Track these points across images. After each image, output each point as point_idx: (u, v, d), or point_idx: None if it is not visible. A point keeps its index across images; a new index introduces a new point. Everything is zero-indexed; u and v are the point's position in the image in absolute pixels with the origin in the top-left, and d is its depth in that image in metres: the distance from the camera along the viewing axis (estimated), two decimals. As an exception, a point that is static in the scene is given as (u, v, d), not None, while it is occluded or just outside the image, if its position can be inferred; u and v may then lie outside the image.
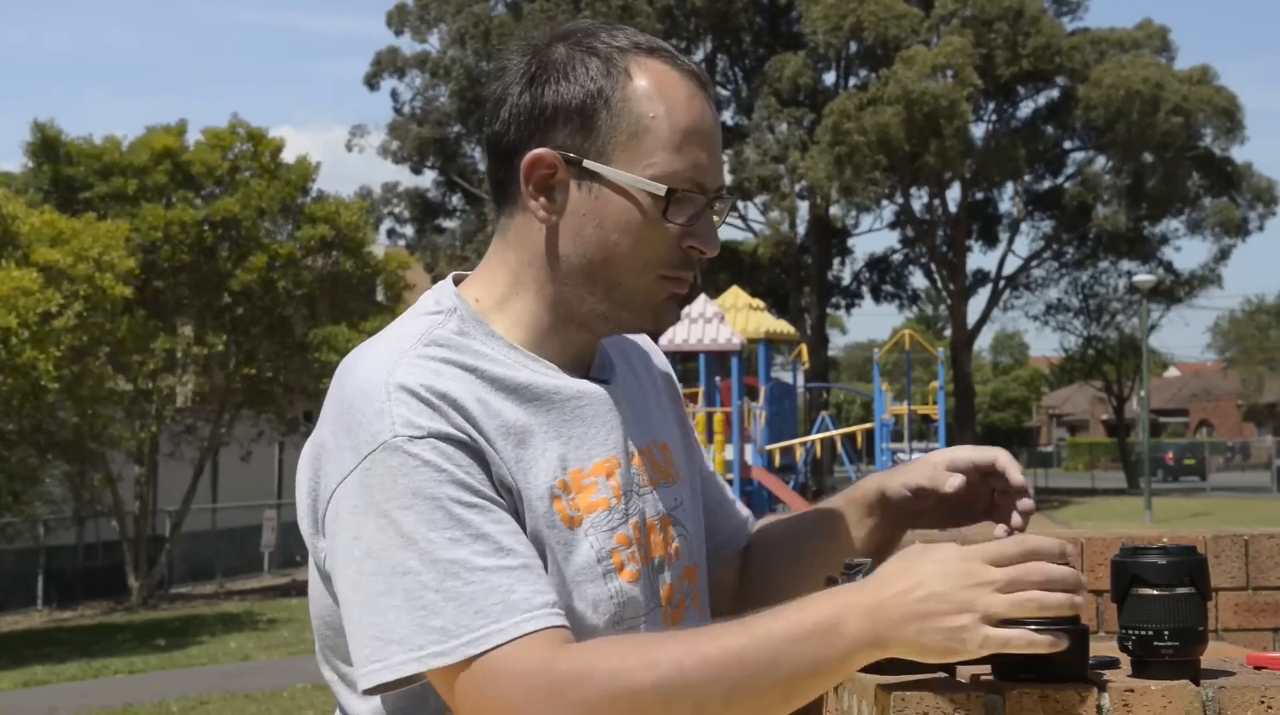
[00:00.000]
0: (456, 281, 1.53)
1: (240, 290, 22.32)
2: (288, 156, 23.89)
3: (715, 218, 1.47)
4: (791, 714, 1.30)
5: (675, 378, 1.70)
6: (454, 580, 1.28)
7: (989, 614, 1.22)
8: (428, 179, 43.59)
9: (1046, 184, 42.49)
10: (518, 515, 1.35)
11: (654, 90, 1.42)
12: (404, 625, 1.27)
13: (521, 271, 1.47)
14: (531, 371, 1.44)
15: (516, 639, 1.26)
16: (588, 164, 1.42)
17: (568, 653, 1.26)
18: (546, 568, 1.34)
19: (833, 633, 1.25)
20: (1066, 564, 1.25)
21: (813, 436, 25.83)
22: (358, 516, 1.31)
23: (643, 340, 1.67)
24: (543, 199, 1.44)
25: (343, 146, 72.03)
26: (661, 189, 1.41)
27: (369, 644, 1.29)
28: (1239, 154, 42.34)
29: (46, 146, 22.67)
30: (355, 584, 1.30)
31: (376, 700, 1.39)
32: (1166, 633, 1.27)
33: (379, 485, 1.31)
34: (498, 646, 1.26)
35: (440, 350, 1.40)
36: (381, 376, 1.35)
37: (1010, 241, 43.17)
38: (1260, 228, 41.20)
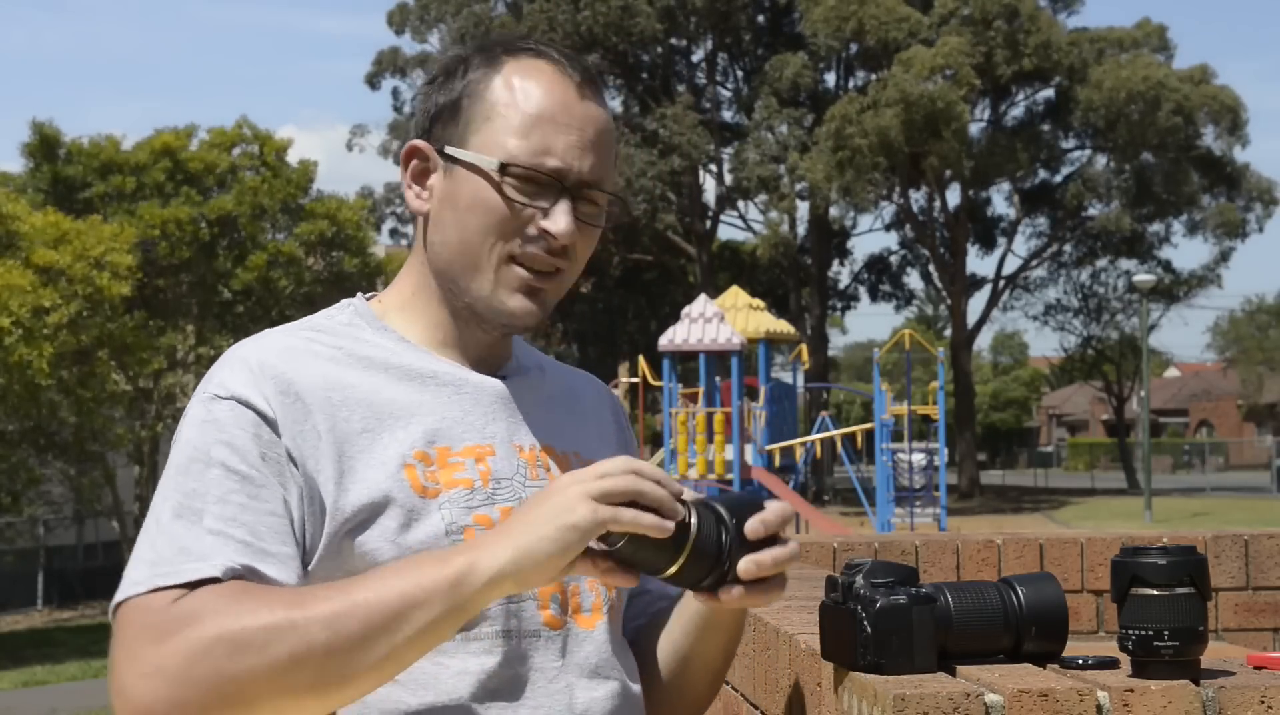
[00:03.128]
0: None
1: (241, 289, 22.32)
2: (291, 157, 23.93)
3: (585, 209, 1.49)
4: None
5: (626, 425, 1.74)
6: (178, 526, 1.35)
7: (593, 493, 1.29)
8: (428, 179, 43.62)
9: (1044, 183, 42.48)
10: (307, 486, 1.39)
11: (514, 79, 1.49)
12: (136, 561, 1.35)
13: (418, 271, 1.55)
14: (411, 357, 1.50)
15: (169, 587, 1.30)
16: (448, 149, 1.49)
17: (190, 597, 1.30)
18: (312, 543, 1.39)
19: (445, 554, 1.31)
20: (677, 501, 1.32)
21: (813, 436, 25.82)
22: (172, 451, 1.42)
23: (598, 384, 1.73)
24: (416, 188, 1.52)
25: (344, 146, 71.88)
26: (494, 163, 1.45)
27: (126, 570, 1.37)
28: (1239, 154, 42.26)
29: (45, 146, 22.66)
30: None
31: None
32: (1166, 633, 1.27)
33: (182, 428, 1.42)
34: (156, 590, 1.30)
35: (312, 333, 1.49)
36: (240, 347, 1.46)
37: (1010, 241, 43.20)
38: (1260, 229, 41.18)
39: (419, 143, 1.52)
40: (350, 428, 1.42)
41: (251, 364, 1.42)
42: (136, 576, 1.32)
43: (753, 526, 1.35)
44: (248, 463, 1.38)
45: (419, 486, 1.42)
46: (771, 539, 1.37)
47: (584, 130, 1.48)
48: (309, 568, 1.40)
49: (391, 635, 1.29)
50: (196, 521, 1.35)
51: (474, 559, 1.30)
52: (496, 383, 1.53)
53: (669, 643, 1.59)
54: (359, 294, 1.59)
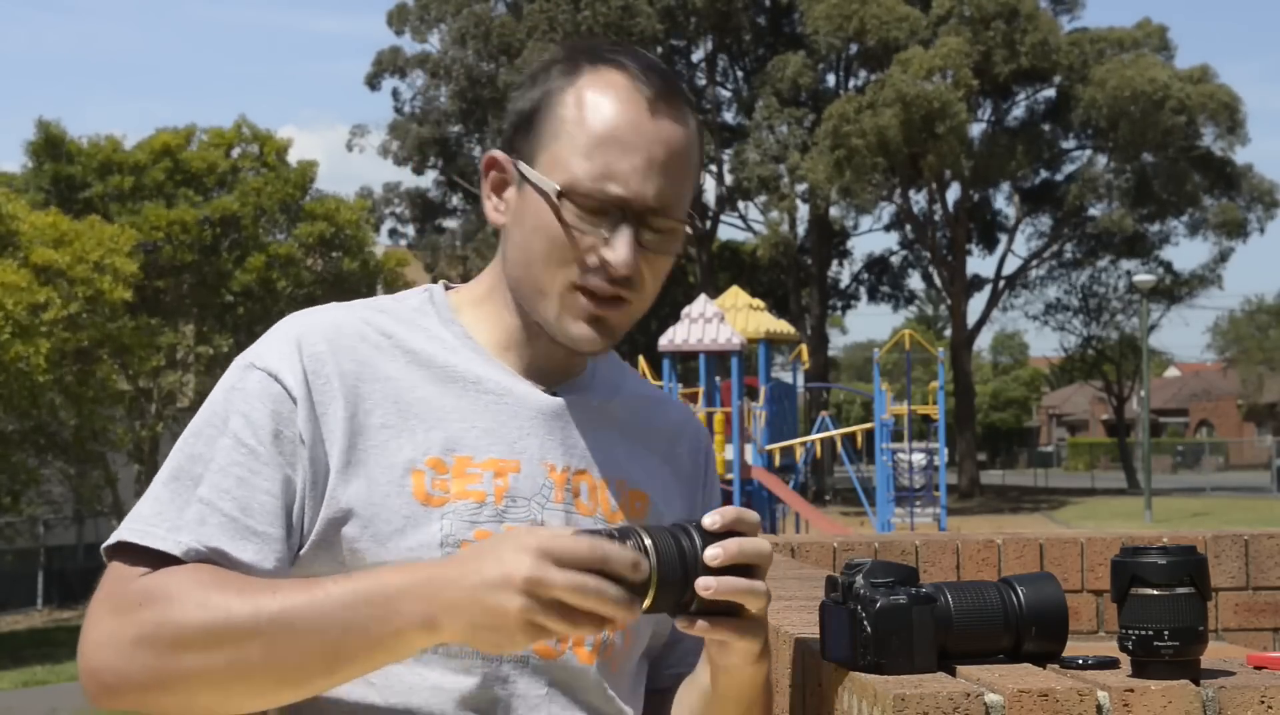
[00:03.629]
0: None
1: (241, 290, 22.34)
2: (292, 158, 23.96)
3: (651, 237, 1.43)
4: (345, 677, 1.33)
5: (710, 468, 1.64)
6: (174, 483, 1.38)
7: (534, 618, 1.21)
8: (428, 179, 43.62)
9: (1045, 183, 42.49)
10: (313, 470, 1.39)
11: (586, 94, 1.42)
12: (139, 503, 1.40)
13: (496, 274, 1.51)
14: (465, 358, 1.47)
15: (151, 550, 1.34)
16: (519, 165, 1.45)
17: (153, 575, 1.33)
18: (303, 529, 1.39)
19: (388, 609, 1.27)
20: (638, 575, 1.23)
21: (813, 436, 25.82)
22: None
23: (689, 420, 1.64)
24: (495, 199, 1.48)
25: (344, 147, 71.91)
26: (554, 187, 1.40)
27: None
28: (1240, 155, 42.26)
29: (49, 145, 22.67)
30: None
31: None
32: (1166, 633, 1.27)
33: (214, 389, 1.45)
34: (139, 547, 1.34)
35: (372, 313, 1.48)
36: (293, 316, 1.48)
37: (1010, 241, 43.21)
38: (1261, 230, 41.19)
39: (498, 154, 1.48)
40: (369, 422, 1.41)
41: (293, 338, 1.43)
42: (125, 526, 1.37)
43: (711, 552, 1.27)
44: (258, 438, 1.38)
45: (422, 494, 1.40)
46: (745, 571, 1.29)
47: (652, 152, 1.40)
48: (301, 552, 1.40)
49: (329, 670, 1.30)
50: (192, 487, 1.37)
51: (426, 618, 1.26)
52: (545, 397, 1.48)
53: (684, 704, 1.52)
54: (440, 283, 1.56)
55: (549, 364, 1.50)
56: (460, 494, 1.41)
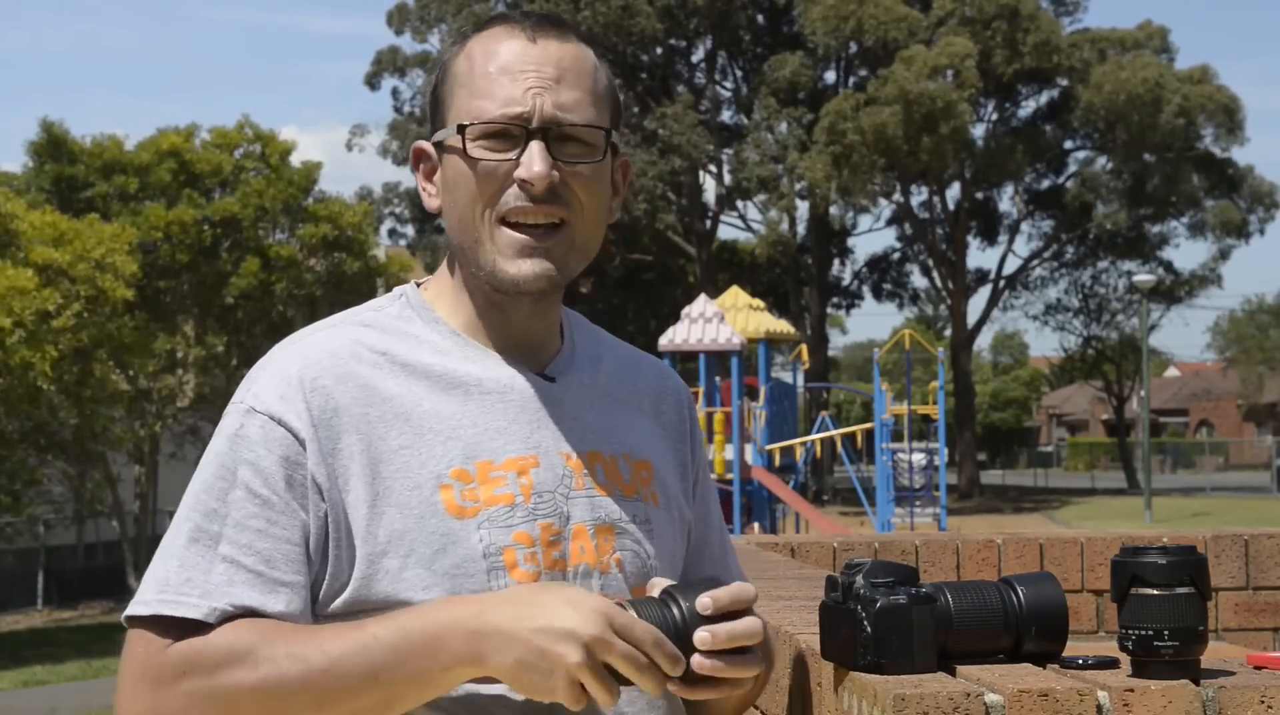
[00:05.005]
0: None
1: (241, 291, 22.34)
2: (294, 159, 23.98)
3: (571, 149, 1.44)
4: None
5: (693, 420, 1.66)
6: (193, 550, 1.36)
7: (584, 674, 1.26)
8: (428, 179, 43.62)
9: (1047, 184, 42.49)
10: (332, 513, 1.37)
11: (473, 48, 1.47)
12: (153, 568, 1.37)
13: (449, 262, 1.53)
14: (461, 358, 1.46)
15: (177, 619, 1.32)
16: (436, 137, 1.48)
17: (190, 643, 1.32)
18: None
19: (436, 646, 1.29)
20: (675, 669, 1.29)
21: (813, 436, 25.82)
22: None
23: (668, 376, 1.66)
24: (429, 186, 1.51)
25: (344, 147, 71.92)
26: (453, 129, 1.44)
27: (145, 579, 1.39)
28: (1239, 155, 42.24)
29: (51, 145, 22.66)
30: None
31: None
32: (1166, 633, 1.27)
33: (214, 437, 1.42)
34: (162, 617, 1.32)
35: (359, 329, 1.46)
36: (280, 349, 1.45)
37: (1010, 241, 43.20)
38: (1261, 231, 41.19)
39: (420, 143, 1.52)
40: (387, 446, 1.40)
41: (291, 376, 1.40)
42: (146, 596, 1.35)
43: (701, 602, 1.31)
44: (270, 487, 1.37)
45: (454, 508, 1.39)
46: (735, 616, 1.33)
47: (541, 70, 1.43)
48: (347, 589, 1.38)
49: (381, 712, 1.32)
50: (212, 547, 1.36)
51: (474, 654, 1.30)
52: (545, 385, 1.49)
53: None
54: (411, 283, 1.56)
55: (522, 335, 1.50)
56: (490, 500, 1.41)
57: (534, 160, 1.41)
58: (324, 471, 1.38)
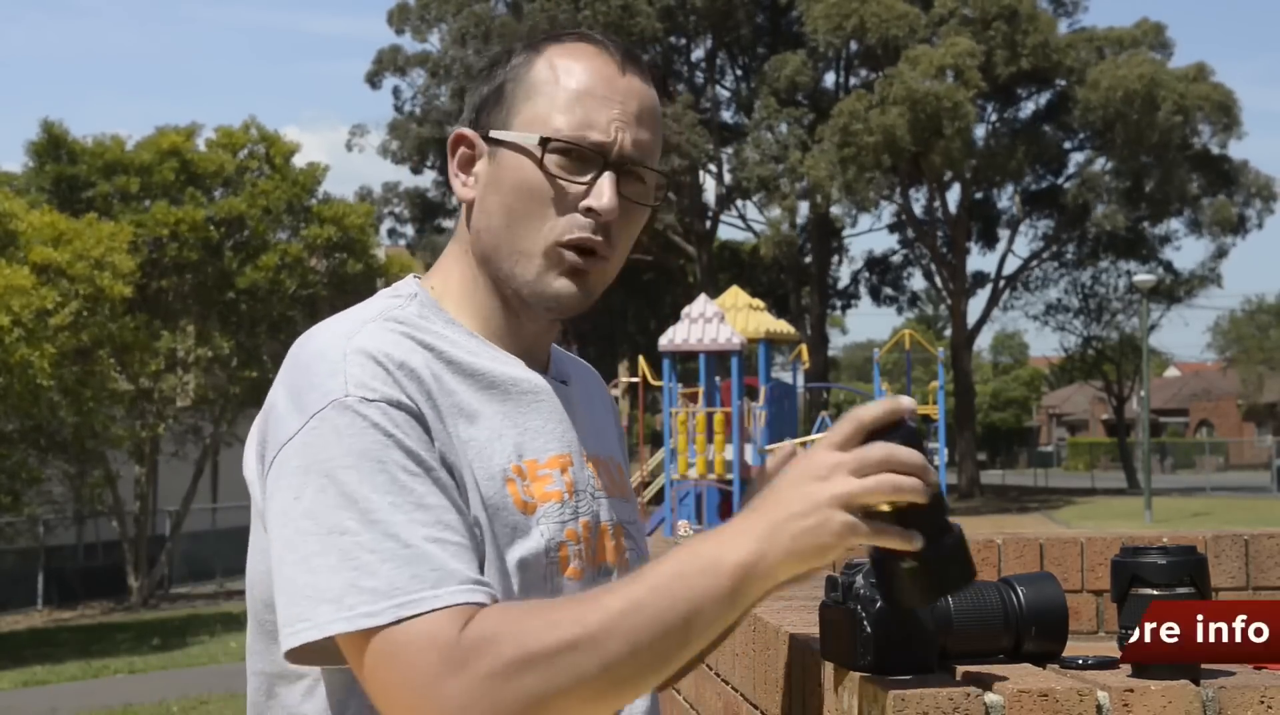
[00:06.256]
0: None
1: (245, 289, 22.35)
2: (299, 160, 24.02)
3: (631, 188, 1.45)
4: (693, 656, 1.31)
5: (615, 406, 1.71)
6: (391, 542, 1.26)
7: (844, 501, 1.23)
8: (428, 179, 43.63)
9: (1046, 184, 42.50)
10: (459, 492, 1.34)
11: (557, 60, 1.46)
12: (336, 584, 1.25)
13: (462, 260, 1.50)
14: (490, 359, 1.45)
15: (448, 607, 1.24)
16: (492, 133, 1.46)
17: (475, 622, 1.25)
18: (484, 552, 1.34)
19: (718, 562, 1.25)
20: (911, 425, 1.25)
21: (813, 436, 25.81)
22: (299, 476, 1.29)
23: (590, 370, 1.69)
24: (463, 175, 1.49)
25: (343, 147, 71.98)
26: (534, 139, 1.43)
27: (299, 603, 1.26)
28: (1236, 152, 42.35)
29: (51, 144, 22.66)
30: (291, 544, 1.28)
31: (322, 693, 1.37)
32: (1166, 633, 1.27)
33: (324, 443, 1.29)
34: (428, 613, 1.24)
35: (400, 326, 1.41)
36: (340, 341, 1.36)
37: (1010, 241, 43.22)
38: (1259, 225, 41.19)
39: (465, 130, 1.49)
40: (458, 437, 1.37)
41: (381, 360, 1.34)
42: (392, 604, 1.24)
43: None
44: (424, 465, 1.31)
45: (520, 502, 1.39)
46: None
47: (626, 105, 1.44)
48: None
49: (684, 642, 1.27)
50: (402, 537, 1.26)
51: (747, 563, 1.26)
52: (562, 388, 1.50)
53: None
54: (411, 278, 1.52)
55: (532, 345, 1.50)
56: (543, 496, 1.41)
57: (605, 192, 1.42)
58: (441, 447, 1.35)
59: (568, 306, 1.45)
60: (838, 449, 1.26)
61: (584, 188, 1.43)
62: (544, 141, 1.42)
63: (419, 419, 1.33)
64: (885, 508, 1.23)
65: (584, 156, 1.42)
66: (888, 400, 1.27)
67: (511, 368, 1.46)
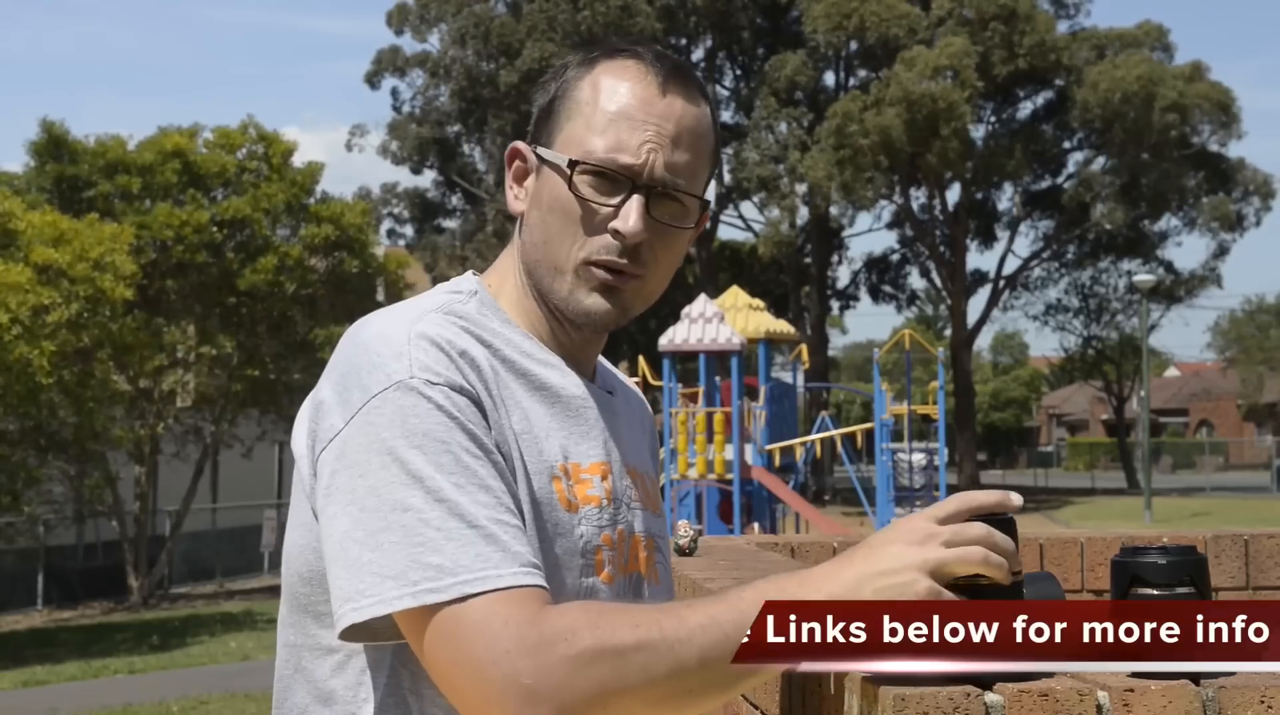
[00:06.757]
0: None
1: (246, 290, 22.35)
2: (298, 160, 24.02)
3: (664, 209, 1.46)
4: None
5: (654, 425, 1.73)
6: (456, 521, 1.28)
7: (934, 567, 1.27)
8: (427, 179, 43.64)
9: (1046, 184, 42.50)
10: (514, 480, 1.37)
11: (601, 79, 1.47)
12: (400, 560, 1.27)
13: (514, 268, 1.53)
14: (542, 363, 1.48)
15: (512, 588, 1.26)
16: (538, 149, 1.49)
17: (554, 609, 1.27)
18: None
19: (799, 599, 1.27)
20: (1009, 517, 1.31)
21: (813, 436, 25.81)
22: (363, 453, 1.31)
23: (635, 391, 1.71)
24: (516, 188, 1.52)
25: (343, 147, 71.97)
26: (564, 160, 1.45)
27: (363, 579, 1.27)
28: (1236, 152, 42.39)
29: (52, 144, 22.65)
30: (356, 520, 1.29)
31: (354, 669, 1.38)
32: (1166, 633, 1.27)
33: (387, 422, 1.31)
34: (493, 591, 1.25)
35: (460, 321, 1.43)
36: (404, 325, 1.38)
37: (1010, 241, 43.22)
38: (1258, 222, 41.17)
39: (519, 144, 1.52)
40: (511, 429, 1.40)
41: (444, 346, 1.36)
42: (461, 580, 1.26)
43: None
44: (485, 449, 1.33)
45: (565, 500, 1.41)
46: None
47: (662, 127, 1.45)
48: None
49: (751, 672, 1.28)
50: (468, 517, 1.29)
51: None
52: (607, 398, 1.53)
53: None
54: (470, 274, 1.54)
55: (577, 352, 1.52)
56: (585, 499, 1.43)
57: (631, 215, 1.44)
58: (494, 432, 1.37)
59: (601, 322, 1.48)
60: (940, 522, 1.30)
61: (613, 209, 1.44)
62: (572, 164, 1.44)
63: (479, 405, 1.36)
64: (966, 582, 1.29)
65: (614, 179, 1.44)
66: (1000, 493, 1.32)
67: (561, 373, 1.48)
